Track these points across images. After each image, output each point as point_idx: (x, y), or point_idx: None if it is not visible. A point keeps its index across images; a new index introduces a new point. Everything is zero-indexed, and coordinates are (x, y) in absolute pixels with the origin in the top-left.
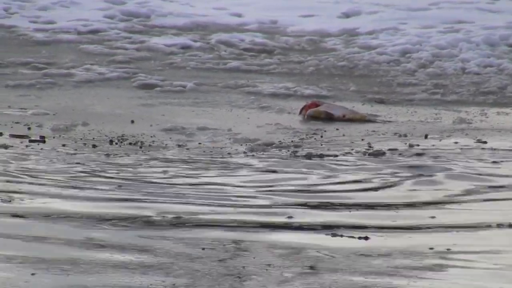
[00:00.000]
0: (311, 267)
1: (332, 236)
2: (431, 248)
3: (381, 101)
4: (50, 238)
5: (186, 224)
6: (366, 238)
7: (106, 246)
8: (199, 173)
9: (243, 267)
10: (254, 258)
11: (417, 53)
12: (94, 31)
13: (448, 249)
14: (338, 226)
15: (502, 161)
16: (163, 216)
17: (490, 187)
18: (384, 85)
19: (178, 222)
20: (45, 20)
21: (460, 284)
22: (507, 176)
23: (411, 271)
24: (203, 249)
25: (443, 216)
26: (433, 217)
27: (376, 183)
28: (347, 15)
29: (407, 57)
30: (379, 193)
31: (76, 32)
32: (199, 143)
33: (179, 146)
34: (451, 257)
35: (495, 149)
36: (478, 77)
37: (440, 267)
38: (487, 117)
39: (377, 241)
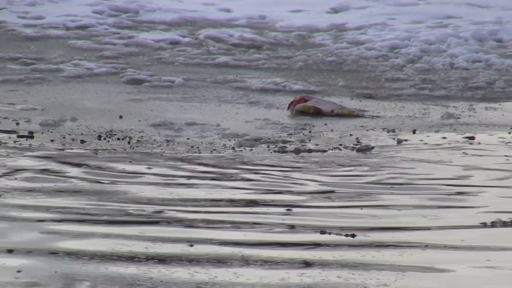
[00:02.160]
0: None
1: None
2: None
3: (369, 96)
4: None
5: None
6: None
7: None
8: None
9: None
10: None
11: (406, 48)
12: (82, 27)
13: None
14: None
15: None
16: None
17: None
18: (372, 80)
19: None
20: (34, 15)
21: None
22: None
23: None
24: None
25: None
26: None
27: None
28: (336, 11)
29: (395, 52)
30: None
31: (65, 28)
32: (188, 138)
33: (167, 141)
34: None
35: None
36: (467, 72)
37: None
38: (475, 112)
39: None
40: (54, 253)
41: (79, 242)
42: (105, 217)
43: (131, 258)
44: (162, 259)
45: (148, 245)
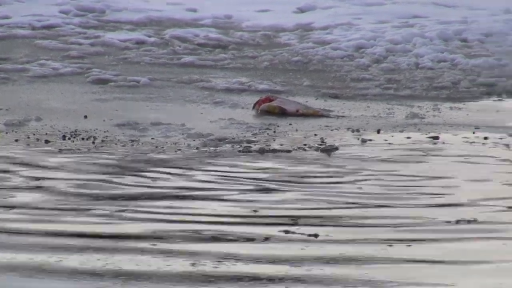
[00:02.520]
0: None
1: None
2: None
3: (334, 96)
4: None
5: None
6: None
7: None
8: None
9: None
10: None
11: (371, 48)
12: (49, 26)
13: None
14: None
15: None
16: None
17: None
18: (338, 80)
19: None
20: (0, 15)
21: None
22: None
23: None
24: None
25: None
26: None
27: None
28: (302, 10)
29: (361, 52)
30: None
31: (31, 27)
32: (152, 138)
33: (132, 141)
34: None
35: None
36: (432, 72)
37: None
38: (440, 112)
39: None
40: None
41: None
42: None
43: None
44: None
45: None
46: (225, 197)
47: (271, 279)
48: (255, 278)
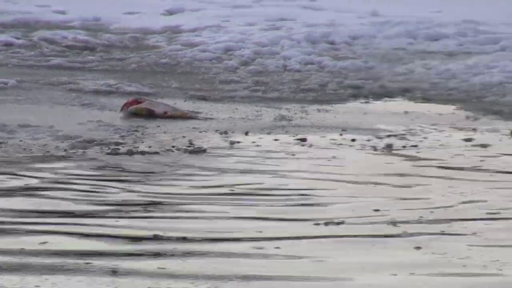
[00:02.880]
0: None
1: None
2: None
3: (203, 98)
4: None
5: None
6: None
7: None
8: None
9: None
10: None
11: (239, 50)
12: None
13: None
14: None
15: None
16: None
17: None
18: (206, 82)
19: None
20: None
21: None
22: None
23: None
24: None
25: None
26: None
27: None
28: (170, 13)
29: (229, 54)
30: None
31: None
32: (20, 140)
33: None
34: None
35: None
36: (299, 74)
37: None
38: (308, 114)
39: None
40: None
41: None
42: None
43: None
44: None
45: None
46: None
47: None
48: None
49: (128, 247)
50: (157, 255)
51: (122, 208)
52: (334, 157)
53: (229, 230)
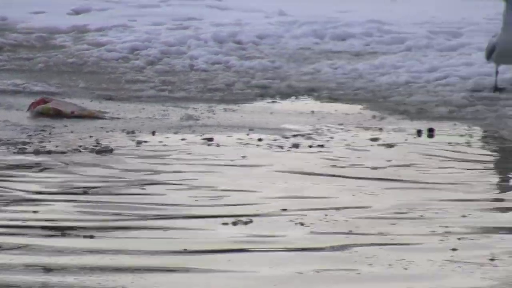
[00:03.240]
0: None
1: None
2: None
3: (109, 98)
4: None
5: None
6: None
7: None
8: None
9: None
10: None
11: (146, 50)
12: None
13: None
14: None
15: None
16: None
17: None
18: (113, 82)
19: None
20: None
21: None
22: None
23: None
24: None
25: None
26: None
27: None
28: (77, 12)
29: (135, 54)
30: None
31: None
32: None
33: None
34: None
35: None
36: (206, 74)
37: None
38: (215, 114)
39: None
40: None
41: None
42: None
43: None
44: None
45: None
46: None
47: None
48: None
49: None
50: None
51: None
52: (243, 157)
53: None
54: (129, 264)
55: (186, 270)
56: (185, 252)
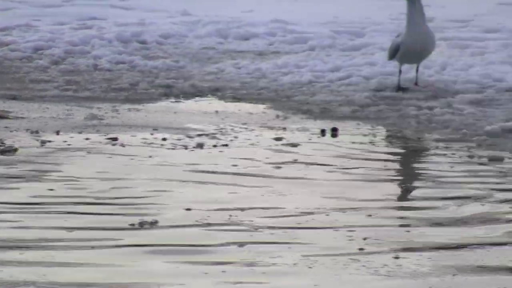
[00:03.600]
0: None
1: None
2: None
3: (13, 98)
4: None
5: None
6: None
7: None
8: None
9: None
10: None
11: (50, 49)
12: None
13: None
14: None
15: None
16: None
17: None
18: (17, 82)
19: None
20: None
21: None
22: None
23: None
24: None
25: None
26: None
27: None
28: None
29: (39, 53)
30: None
31: None
32: None
33: None
34: None
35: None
36: (110, 74)
37: None
38: (119, 114)
39: None
40: None
41: None
42: None
43: None
44: None
45: None
46: None
47: None
48: None
49: None
50: None
51: None
52: (150, 156)
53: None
54: None
55: None
56: None
